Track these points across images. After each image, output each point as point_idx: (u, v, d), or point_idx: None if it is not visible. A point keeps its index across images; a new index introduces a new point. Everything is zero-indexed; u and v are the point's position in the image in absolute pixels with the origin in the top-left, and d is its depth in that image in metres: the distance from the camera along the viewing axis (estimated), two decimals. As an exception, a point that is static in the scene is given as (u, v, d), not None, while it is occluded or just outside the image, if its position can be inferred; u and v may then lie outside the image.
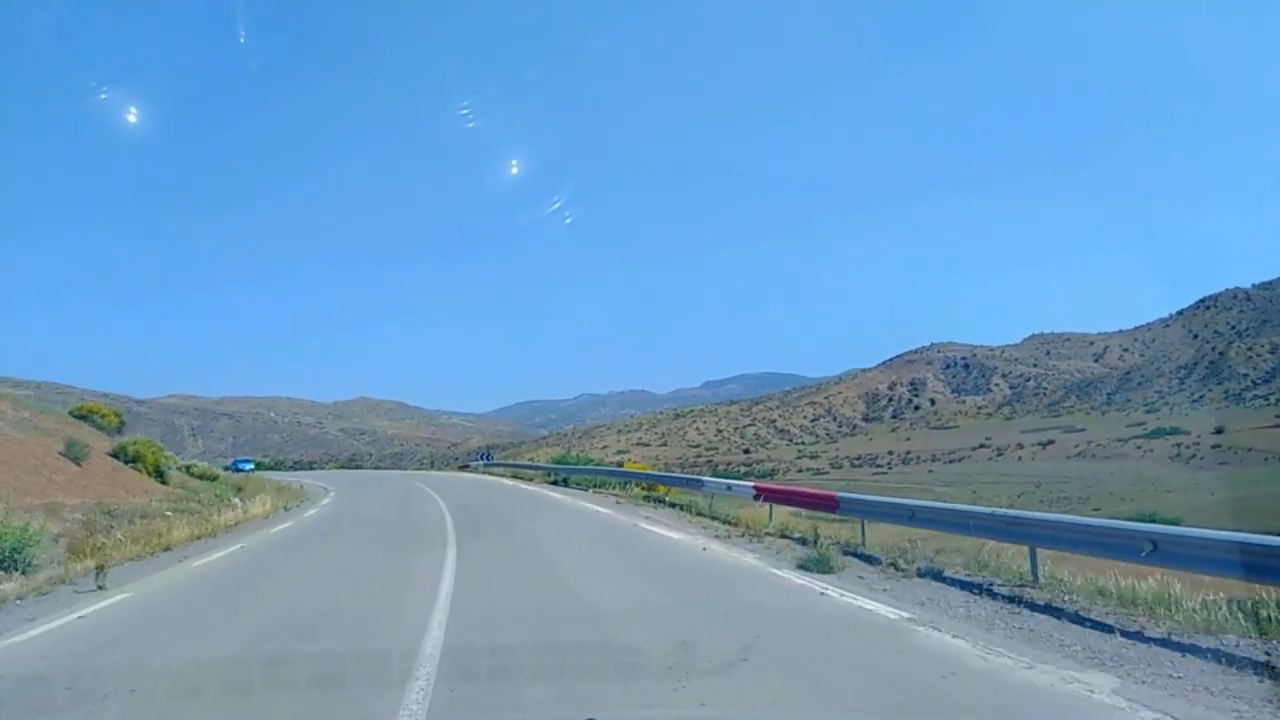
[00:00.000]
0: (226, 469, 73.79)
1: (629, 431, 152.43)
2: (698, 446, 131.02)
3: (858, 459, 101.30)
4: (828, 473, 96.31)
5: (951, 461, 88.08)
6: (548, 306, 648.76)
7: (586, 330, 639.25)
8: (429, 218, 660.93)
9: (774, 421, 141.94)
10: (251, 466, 50.99)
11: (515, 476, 36.90)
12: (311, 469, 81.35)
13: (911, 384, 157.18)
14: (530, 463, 44.92)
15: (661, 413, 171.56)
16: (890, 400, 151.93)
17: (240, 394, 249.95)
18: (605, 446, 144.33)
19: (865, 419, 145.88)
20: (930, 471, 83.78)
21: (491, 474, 41.62)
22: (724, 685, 4.53)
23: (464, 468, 53.52)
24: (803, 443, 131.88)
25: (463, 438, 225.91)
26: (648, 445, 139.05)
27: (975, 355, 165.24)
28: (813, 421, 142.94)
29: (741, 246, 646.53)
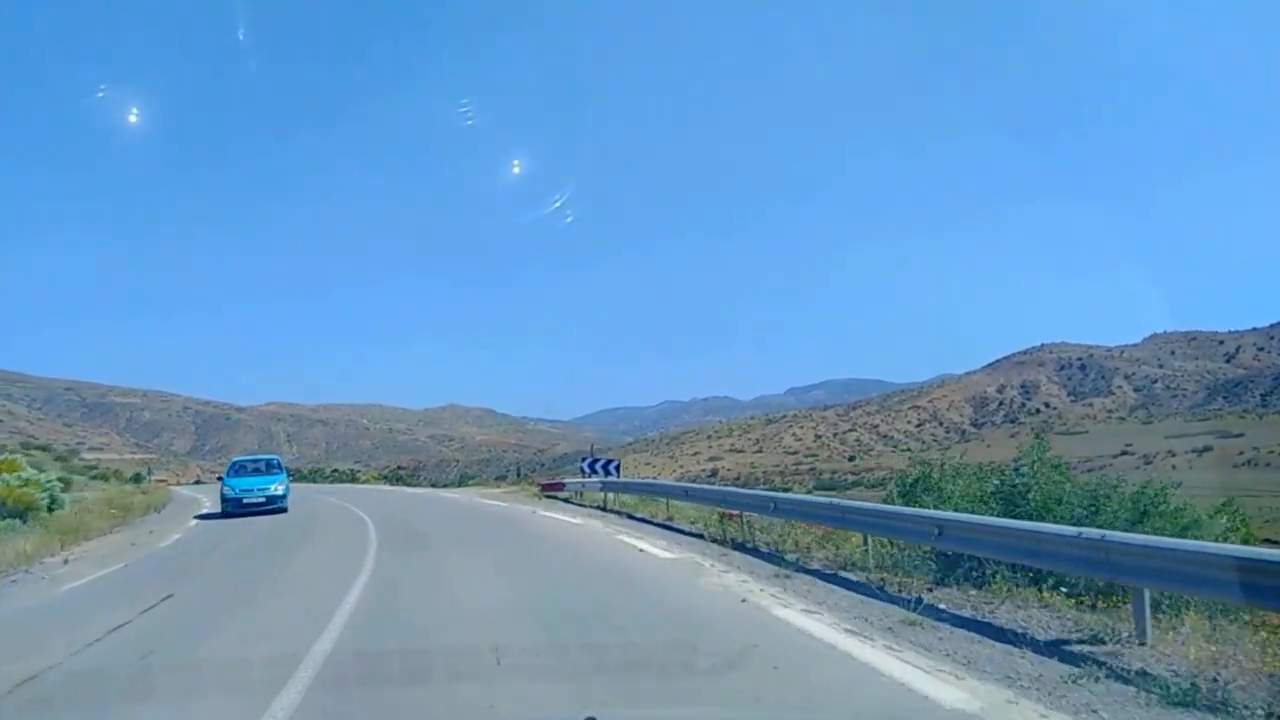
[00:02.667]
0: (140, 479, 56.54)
1: (719, 437, 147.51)
2: (796, 454, 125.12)
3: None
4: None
5: (1090, 470, 79.84)
6: (622, 313, 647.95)
7: (664, 336, 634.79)
8: (491, 225, 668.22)
9: (875, 427, 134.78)
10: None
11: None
12: (355, 479, 68.61)
13: (1023, 386, 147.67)
14: (787, 494, 15.45)
15: (752, 418, 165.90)
16: (1000, 404, 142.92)
17: (335, 401, 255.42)
18: (696, 453, 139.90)
19: (974, 424, 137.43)
20: (1067, 481, 76.20)
21: (633, 527, 14.71)
22: None
23: (550, 489, 25.34)
24: (909, 449, 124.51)
25: (549, 444, 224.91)
26: (741, 451, 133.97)
27: (1092, 356, 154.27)
28: (917, 427, 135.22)
29: (822, 252, 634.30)
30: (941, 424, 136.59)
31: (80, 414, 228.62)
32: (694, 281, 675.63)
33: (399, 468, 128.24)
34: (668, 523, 15.14)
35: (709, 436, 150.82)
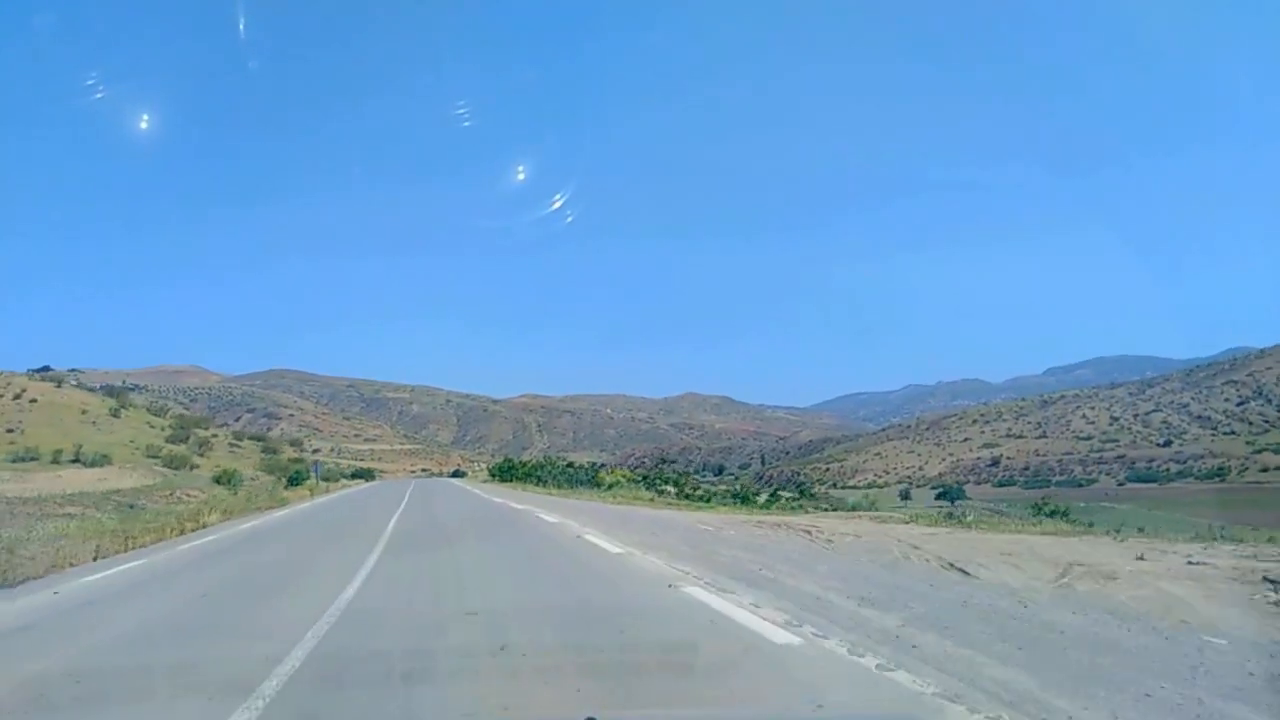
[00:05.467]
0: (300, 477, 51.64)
1: (988, 422, 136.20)
2: (1090, 439, 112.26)
3: (1354, 452, 78.16)
4: (1312, 470, 75.28)
5: None
6: (856, 294, 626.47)
7: (904, 317, 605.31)
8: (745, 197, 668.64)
9: (1185, 406, 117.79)
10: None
11: None
12: (600, 485, 48.74)
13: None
14: None
15: (1023, 400, 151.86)
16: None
17: (581, 392, 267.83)
18: (967, 439, 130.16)
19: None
20: None
21: None
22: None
23: None
24: (1233, 431, 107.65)
25: (788, 432, 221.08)
26: (1021, 437, 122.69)
27: None
28: (1239, 405, 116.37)
29: (1092, 226, 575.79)
30: (1270, 401, 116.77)
31: (359, 408, 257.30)
32: (939, 260, 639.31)
33: (664, 461, 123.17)
34: None
35: (975, 421, 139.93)
